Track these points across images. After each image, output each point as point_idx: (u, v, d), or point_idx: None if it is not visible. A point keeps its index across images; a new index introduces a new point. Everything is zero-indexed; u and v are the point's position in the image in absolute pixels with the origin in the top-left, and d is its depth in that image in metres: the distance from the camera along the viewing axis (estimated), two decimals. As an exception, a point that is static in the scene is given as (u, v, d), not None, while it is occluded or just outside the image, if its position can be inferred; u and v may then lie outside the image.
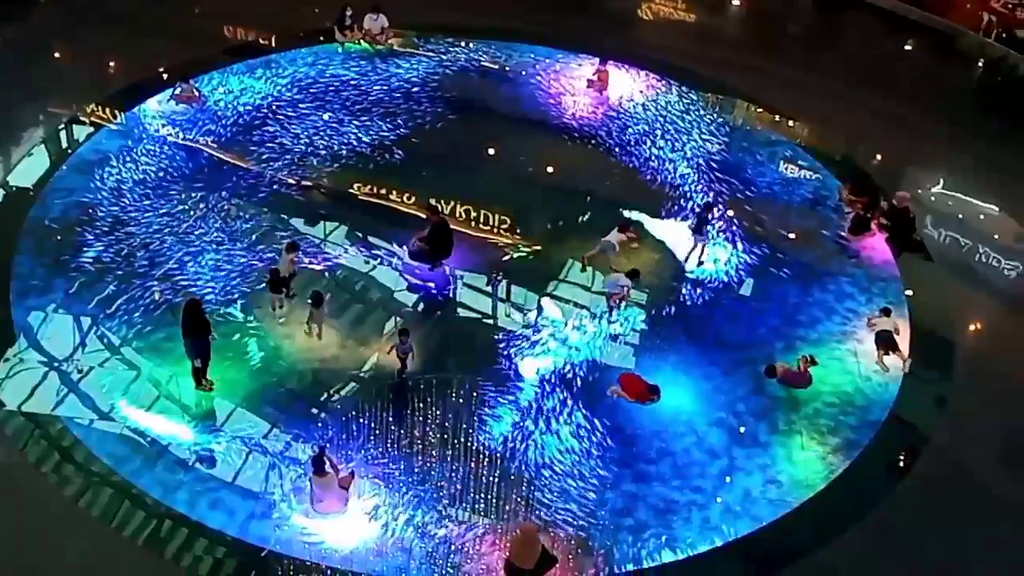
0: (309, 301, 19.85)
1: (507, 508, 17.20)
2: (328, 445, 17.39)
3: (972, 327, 21.60)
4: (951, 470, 18.45)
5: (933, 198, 24.93)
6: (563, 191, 24.22)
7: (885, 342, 20.12)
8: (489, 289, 21.44)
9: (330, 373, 19.30)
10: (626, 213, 23.20)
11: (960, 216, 24.42)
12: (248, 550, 16.31)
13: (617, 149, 25.69)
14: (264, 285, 20.41)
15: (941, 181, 25.36)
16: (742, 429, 18.84)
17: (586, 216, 23.46)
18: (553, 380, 19.47)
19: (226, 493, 17.11)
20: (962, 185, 25.23)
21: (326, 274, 21.45)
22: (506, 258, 22.11)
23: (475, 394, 19.02)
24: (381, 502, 17.06)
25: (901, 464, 18.59)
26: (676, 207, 23.76)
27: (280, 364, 19.39)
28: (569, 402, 19.08)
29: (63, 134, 24.74)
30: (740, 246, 22.84)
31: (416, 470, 17.66)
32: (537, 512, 17.14)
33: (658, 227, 23.12)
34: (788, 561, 16.91)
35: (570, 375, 19.60)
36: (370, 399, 18.82)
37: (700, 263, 22.39)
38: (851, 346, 20.56)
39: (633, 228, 22.35)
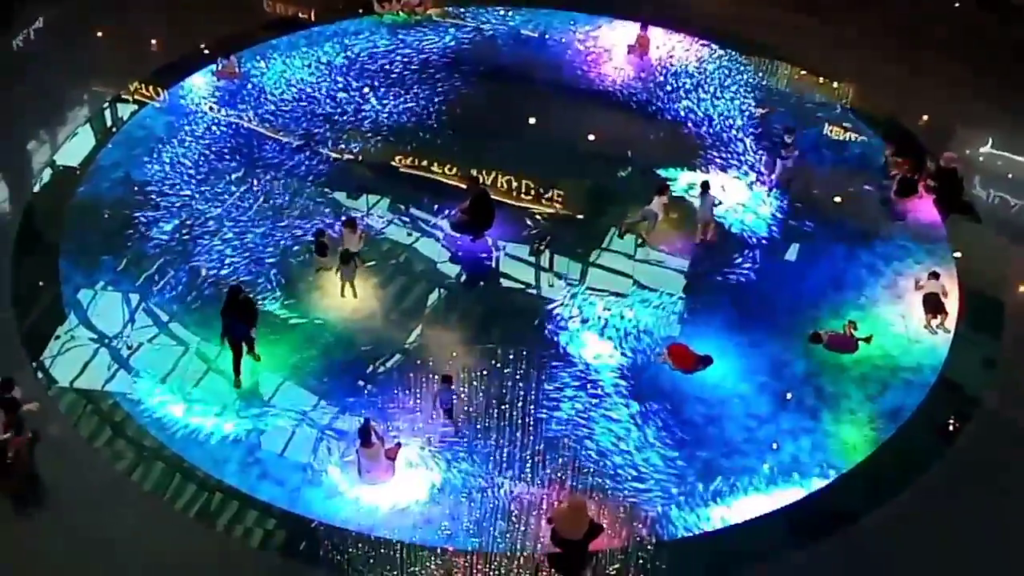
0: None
1: (554, 476, 17.28)
2: (373, 416, 17.52)
3: (1022, 288, 21.26)
4: (1002, 432, 18.26)
5: (981, 158, 24.48)
6: (605, 158, 24.05)
7: (933, 305, 19.91)
8: (532, 259, 21.43)
9: (375, 345, 19.42)
10: (664, 175, 23.15)
11: (1009, 176, 23.97)
12: (298, 521, 16.55)
13: (659, 114, 25.42)
14: (309, 255, 20.74)
15: (990, 140, 24.89)
16: (789, 395, 18.76)
17: (629, 182, 23.29)
18: (598, 348, 19.49)
19: (275, 466, 17.36)
20: (1011, 144, 24.74)
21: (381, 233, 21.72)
22: (548, 227, 22.07)
23: (520, 364, 19.08)
24: (428, 471, 17.19)
25: (951, 427, 18.42)
26: (721, 169, 23.51)
27: (326, 337, 19.55)
28: (614, 369, 19.10)
29: (107, 113, 24.93)
30: (785, 209, 22.64)
31: (463, 440, 17.79)
32: (585, 480, 17.21)
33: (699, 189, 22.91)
34: (838, 525, 16.88)
35: (616, 342, 19.61)
36: (415, 370, 18.93)
37: (778, 185, 23.10)
38: (899, 309, 20.36)
39: (668, 191, 22.19)
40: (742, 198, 22.82)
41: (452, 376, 18.14)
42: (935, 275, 20.42)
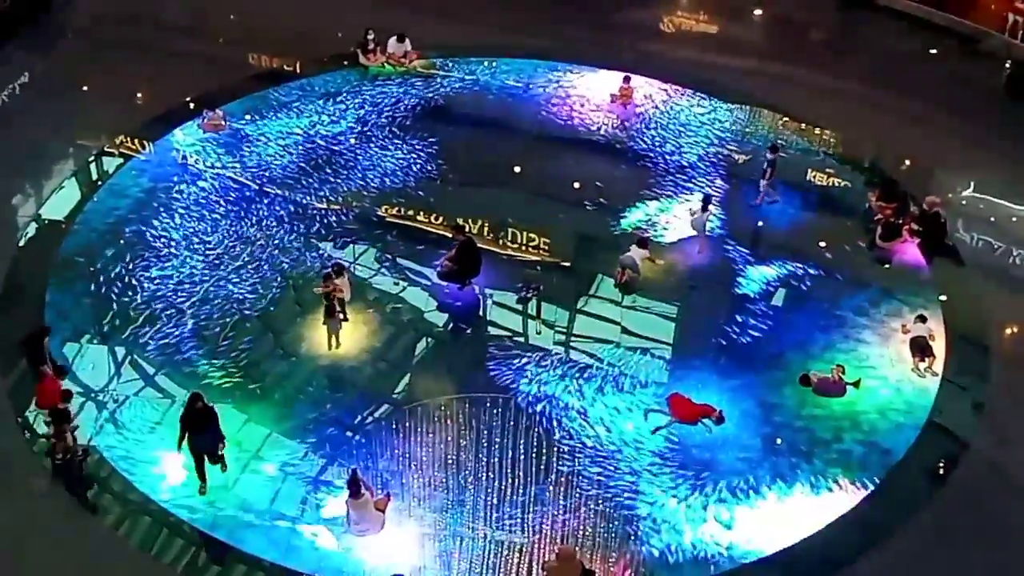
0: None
1: (546, 527, 17.16)
2: (361, 467, 17.41)
3: (1007, 331, 21.32)
4: (991, 475, 18.27)
5: (964, 201, 24.69)
6: (590, 206, 24.17)
7: (920, 348, 19.96)
8: (519, 307, 21.42)
9: (364, 395, 19.35)
10: (644, 227, 23.33)
11: (992, 219, 24.17)
12: (286, 574, 16.35)
13: (643, 162, 25.61)
14: (298, 306, 20.73)
15: (971, 184, 25.12)
16: (779, 440, 18.73)
17: (614, 230, 23.38)
18: (586, 394, 19.46)
19: (263, 518, 17.17)
20: (993, 187, 24.96)
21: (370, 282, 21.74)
22: (535, 274, 22.09)
23: (507, 412, 19.01)
24: (419, 523, 17.05)
25: (940, 470, 18.40)
26: (705, 216, 23.61)
27: (313, 388, 19.46)
28: (602, 416, 19.05)
29: (93, 166, 24.96)
30: (771, 255, 22.74)
31: (452, 491, 17.65)
32: (576, 529, 17.12)
33: (684, 234, 23.07)
34: (830, 571, 16.78)
35: (603, 388, 19.59)
36: (404, 420, 18.84)
37: (771, 202, 23.99)
38: (886, 353, 20.39)
39: (651, 244, 22.31)
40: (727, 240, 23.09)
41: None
42: (922, 318, 20.50)
